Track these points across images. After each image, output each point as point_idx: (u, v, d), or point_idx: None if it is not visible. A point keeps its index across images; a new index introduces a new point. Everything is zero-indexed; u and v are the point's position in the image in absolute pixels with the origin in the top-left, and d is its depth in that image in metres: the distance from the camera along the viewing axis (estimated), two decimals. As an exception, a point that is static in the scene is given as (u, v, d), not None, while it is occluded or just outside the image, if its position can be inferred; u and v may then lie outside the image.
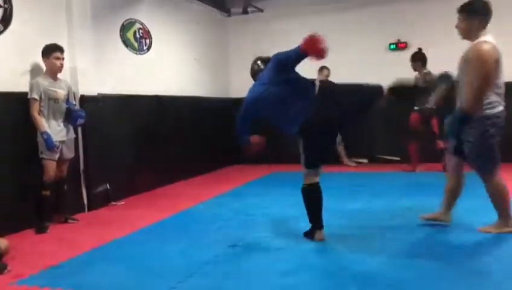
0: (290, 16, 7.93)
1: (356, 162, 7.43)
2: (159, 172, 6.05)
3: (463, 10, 3.35)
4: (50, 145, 4.08)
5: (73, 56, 4.82)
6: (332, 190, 5.46)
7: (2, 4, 4.12)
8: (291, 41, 8.27)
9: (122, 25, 5.75)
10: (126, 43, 5.80)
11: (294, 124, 3.36)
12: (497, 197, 3.40)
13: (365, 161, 7.58)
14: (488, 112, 3.22)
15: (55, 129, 4.20)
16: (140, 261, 3.21)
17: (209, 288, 2.71)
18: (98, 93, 5.08)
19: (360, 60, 7.51)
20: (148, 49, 6.20)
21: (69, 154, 4.42)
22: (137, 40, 6.00)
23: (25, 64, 4.31)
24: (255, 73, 3.90)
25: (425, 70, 6.12)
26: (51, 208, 4.32)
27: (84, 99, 4.89)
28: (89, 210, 4.89)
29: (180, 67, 6.95)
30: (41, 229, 4.09)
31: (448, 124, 3.41)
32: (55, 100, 4.22)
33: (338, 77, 7.37)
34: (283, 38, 8.09)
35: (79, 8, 4.89)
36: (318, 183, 3.46)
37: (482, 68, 3.13)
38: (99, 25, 5.25)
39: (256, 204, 4.89)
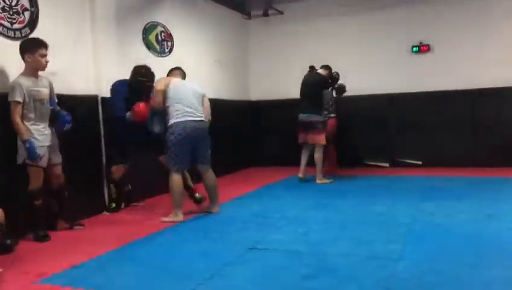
0: (310, 18, 7.91)
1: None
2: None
3: None
4: (33, 156, 3.71)
5: (97, 58, 4.91)
6: (354, 192, 5.51)
7: (29, 8, 4.22)
8: (310, 44, 8.34)
9: (145, 27, 5.82)
10: (148, 45, 5.86)
11: None
12: (171, 192, 4.40)
13: (386, 165, 7.49)
14: (171, 121, 4.37)
15: (43, 133, 3.86)
16: (160, 262, 3.23)
17: (229, 290, 2.71)
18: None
19: (382, 62, 7.46)
20: (170, 51, 6.26)
21: (57, 159, 4.06)
22: (159, 42, 6.06)
23: (50, 66, 4.37)
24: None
25: None
26: (51, 216, 4.13)
27: (106, 102, 4.96)
28: (110, 211, 4.94)
29: (201, 69, 6.98)
30: (40, 239, 3.86)
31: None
32: (41, 101, 3.85)
33: (360, 78, 7.42)
34: (303, 40, 8.17)
35: (103, 11, 4.97)
36: None
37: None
38: (122, 27, 5.32)
39: (276, 207, 4.87)
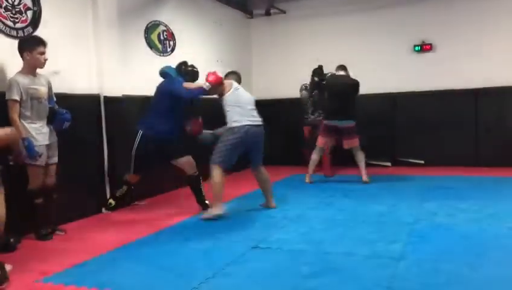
0: (313, 17, 7.90)
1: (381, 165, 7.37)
2: (181, 172, 6.09)
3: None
4: (31, 153, 3.63)
5: (100, 58, 4.92)
6: (356, 192, 5.50)
7: (32, 7, 4.22)
8: (312, 43, 8.32)
9: (147, 26, 5.82)
10: (150, 44, 5.86)
11: None
12: (213, 187, 4.38)
13: (388, 164, 7.48)
14: (234, 124, 4.46)
15: (40, 132, 3.81)
16: (163, 261, 3.24)
17: (231, 289, 2.71)
18: (123, 95, 5.14)
19: (384, 61, 7.45)
20: (172, 50, 6.25)
21: (53, 158, 3.98)
22: (161, 42, 6.06)
23: (52, 65, 4.36)
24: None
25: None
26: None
27: (108, 100, 4.97)
28: (112, 211, 4.95)
29: (202, 68, 6.95)
30: (43, 237, 3.86)
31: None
32: (38, 99, 3.79)
33: (362, 77, 7.40)
34: (305, 40, 8.16)
35: (105, 10, 4.97)
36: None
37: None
38: (125, 26, 5.32)
39: (278, 206, 4.87)
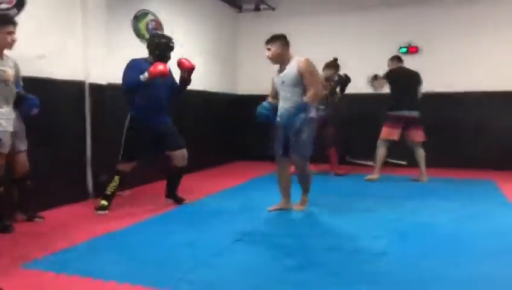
0: (301, 15, 7.91)
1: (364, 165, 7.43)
2: (164, 164, 6.03)
3: (274, 40, 4.27)
4: None
5: (86, 43, 4.83)
6: (339, 189, 5.54)
7: (17, -12, 4.11)
8: (299, 42, 8.28)
9: (135, 15, 5.74)
10: (138, 33, 5.78)
11: None
12: (308, 179, 4.37)
13: (371, 163, 7.53)
14: (311, 114, 4.19)
15: (7, 118, 3.55)
16: (145, 252, 3.19)
17: (215, 280, 2.68)
18: (108, 83, 5.06)
19: (370, 61, 7.49)
20: (160, 41, 6.18)
21: (22, 146, 3.78)
22: (149, 31, 5.98)
23: (37, 48, 4.28)
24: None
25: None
26: (14, 205, 3.89)
27: (93, 87, 4.88)
28: (94, 198, 4.87)
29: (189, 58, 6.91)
30: (4, 229, 3.61)
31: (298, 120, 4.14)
32: (5, 82, 3.54)
33: (350, 76, 7.44)
34: (292, 38, 8.11)
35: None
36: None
37: (318, 75, 4.36)
38: (113, 13, 5.24)
39: (262, 199, 4.86)
